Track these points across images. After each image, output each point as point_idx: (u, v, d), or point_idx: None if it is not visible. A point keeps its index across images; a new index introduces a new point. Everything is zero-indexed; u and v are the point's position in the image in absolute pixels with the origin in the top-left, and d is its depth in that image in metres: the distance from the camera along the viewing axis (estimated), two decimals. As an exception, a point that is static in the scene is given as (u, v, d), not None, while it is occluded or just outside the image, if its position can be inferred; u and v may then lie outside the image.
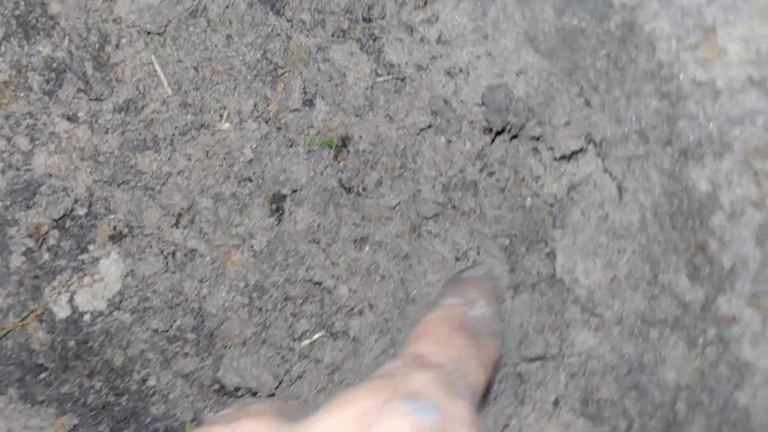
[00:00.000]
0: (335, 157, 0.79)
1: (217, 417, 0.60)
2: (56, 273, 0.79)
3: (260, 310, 0.80)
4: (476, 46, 0.72)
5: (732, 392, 0.59)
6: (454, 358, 0.57)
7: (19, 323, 0.78)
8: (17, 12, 0.75)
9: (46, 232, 0.78)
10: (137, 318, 0.80)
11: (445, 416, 0.47)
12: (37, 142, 0.77)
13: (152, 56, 0.77)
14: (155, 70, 0.77)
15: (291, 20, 0.77)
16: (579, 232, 0.71)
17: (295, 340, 0.80)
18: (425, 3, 0.74)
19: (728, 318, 0.60)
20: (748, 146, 0.58)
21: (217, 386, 0.81)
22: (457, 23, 0.73)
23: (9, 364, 0.78)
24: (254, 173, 0.79)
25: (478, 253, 0.79)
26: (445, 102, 0.76)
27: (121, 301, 0.80)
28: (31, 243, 0.78)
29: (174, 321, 0.80)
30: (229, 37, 0.77)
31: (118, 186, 0.78)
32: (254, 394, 0.79)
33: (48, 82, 0.76)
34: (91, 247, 0.79)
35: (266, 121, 0.78)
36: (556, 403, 0.71)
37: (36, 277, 0.78)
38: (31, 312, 0.78)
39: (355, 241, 0.80)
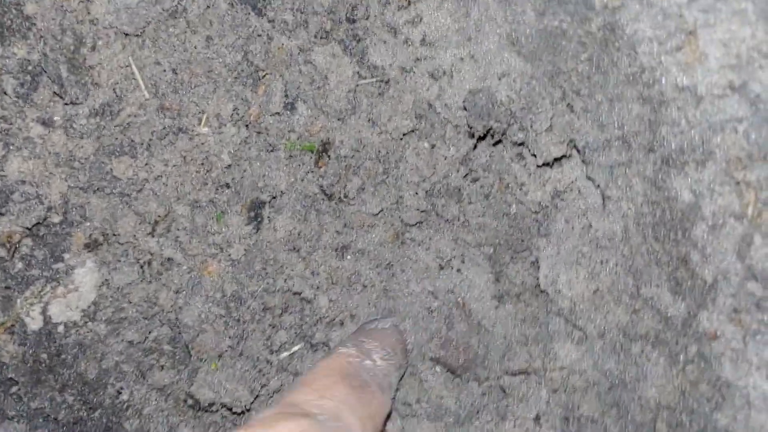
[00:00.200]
0: (316, 163, 0.76)
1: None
2: (29, 283, 0.77)
3: (237, 321, 0.77)
4: (459, 48, 0.70)
5: (712, 413, 0.59)
6: (329, 409, 0.56)
7: (-10, 335, 0.76)
8: (-10, 14, 0.73)
9: (19, 241, 0.76)
10: (112, 329, 0.77)
11: None
12: (11, 147, 0.74)
13: (130, 58, 0.75)
14: (132, 73, 0.75)
15: (273, 21, 0.75)
16: (563, 242, 0.70)
17: (273, 353, 0.77)
18: (409, 3, 0.72)
19: (709, 334, 0.59)
20: (729, 155, 0.57)
21: (191, 401, 0.77)
22: (441, 24, 0.71)
23: (-22, 378, 0.76)
24: (233, 179, 0.76)
25: (462, 261, 0.76)
26: (429, 105, 0.73)
27: (95, 312, 0.77)
28: (2, 252, 0.75)
29: (150, 332, 0.78)
30: (209, 38, 0.75)
31: (94, 192, 0.76)
32: (229, 409, 0.76)
33: (23, 85, 0.74)
34: (66, 256, 0.77)
35: (246, 125, 0.76)
36: (537, 419, 0.70)
37: (7, 287, 0.76)
38: (2, 324, 0.76)
39: (336, 250, 0.77)
